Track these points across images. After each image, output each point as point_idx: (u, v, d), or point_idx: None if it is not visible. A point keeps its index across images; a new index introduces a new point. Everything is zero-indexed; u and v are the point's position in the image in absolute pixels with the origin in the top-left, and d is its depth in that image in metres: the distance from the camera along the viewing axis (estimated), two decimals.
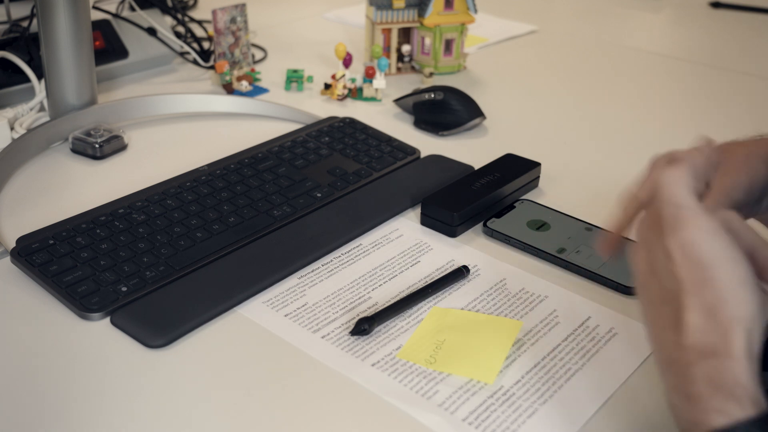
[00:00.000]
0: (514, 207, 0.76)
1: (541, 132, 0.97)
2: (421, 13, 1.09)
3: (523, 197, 0.79)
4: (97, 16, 1.04)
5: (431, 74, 1.10)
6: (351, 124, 0.91)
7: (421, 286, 0.64)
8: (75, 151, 0.86)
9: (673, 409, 0.44)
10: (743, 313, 0.41)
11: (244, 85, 1.04)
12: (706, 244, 0.43)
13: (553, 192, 0.81)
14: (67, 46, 0.85)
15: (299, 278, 0.66)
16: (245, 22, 1.07)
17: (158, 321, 0.59)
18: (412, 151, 0.86)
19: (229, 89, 1.04)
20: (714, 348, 0.41)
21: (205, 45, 1.16)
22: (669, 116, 1.03)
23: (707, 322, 0.41)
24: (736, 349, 0.41)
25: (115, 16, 1.08)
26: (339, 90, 1.02)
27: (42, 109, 0.93)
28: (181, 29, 1.17)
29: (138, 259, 0.64)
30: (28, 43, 0.96)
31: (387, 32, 1.11)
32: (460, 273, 0.66)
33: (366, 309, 0.62)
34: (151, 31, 1.09)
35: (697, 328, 0.42)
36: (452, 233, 0.72)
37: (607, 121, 1.01)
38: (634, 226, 0.49)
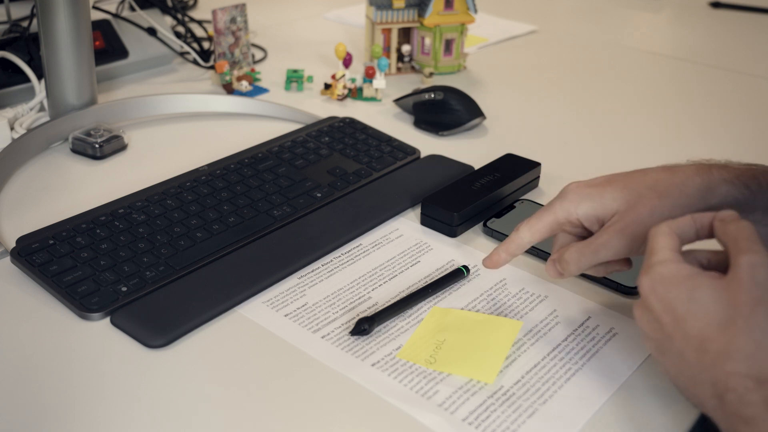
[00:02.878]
0: (514, 207, 0.76)
1: (541, 132, 0.97)
2: (421, 13, 1.09)
3: (523, 197, 0.79)
4: (97, 16, 1.04)
5: (431, 74, 1.10)
6: (351, 124, 0.91)
7: (421, 286, 0.64)
8: (75, 151, 0.86)
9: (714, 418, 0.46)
10: None
11: (244, 85, 1.04)
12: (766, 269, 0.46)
13: (553, 192, 0.81)
14: (67, 46, 0.85)
15: (299, 278, 0.66)
16: (245, 22, 1.07)
17: (158, 321, 0.59)
18: (412, 151, 0.86)
19: (229, 89, 1.04)
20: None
21: (205, 45, 1.16)
22: (669, 116, 1.03)
23: (759, 351, 0.44)
24: None
25: (115, 16, 1.08)
26: (339, 90, 1.02)
27: (42, 109, 0.93)
28: (181, 29, 1.18)
29: (138, 259, 0.64)
30: (28, 43, 0.96)
31: (387, 32, 1.11)
32: (460, 273, 0.66)
33: (366, 309, 0.62)
34: (151, 31, 1.09)
35: (751, 355, 0.44)
36: (452, 233, 0.72)
37: (607, 121, 1.01)
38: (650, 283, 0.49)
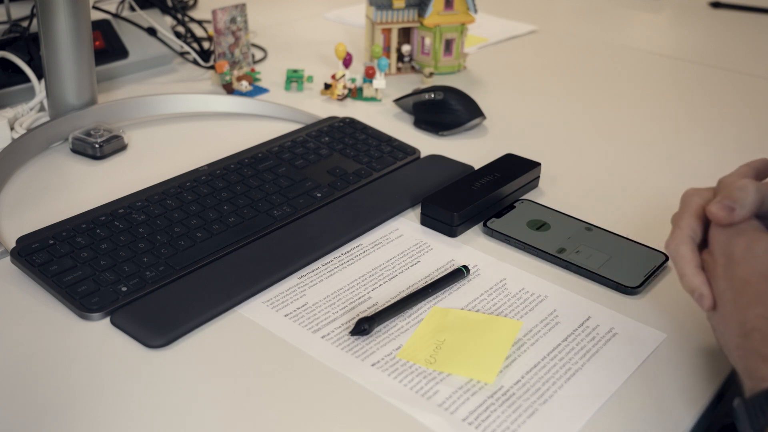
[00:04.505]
0: (514, 207, 0.76)
1: (541, 132, 0.97)
2: (421, 13, 1.09)
3: (523, 197, 0.79)
4: (97, 16, 1.04)
5: (431, 74, 1.10)
6: (351, 124, 0.91)
7: (421, 286, 0.64)
8: (75, 151, 0.86)
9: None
10: None
11: (244, 85, 1.04)
12: None
13: (553, 192, 0.81)
14: (67, 46, 0.85)
15: (299, 278, 0.66)
16: (245, 22, 1.07)
17: (158, 321, 0.59)
18: (412, 151, 0.86)
19: (229, 89, 1.04)
20: None
21: (205, 45, 1.16)
22: (669, 116, 1.03)
23: None
24: None
25: (115, 16, 1.08)
26: (339, 90, 1.02)
27: (42, 109, 0.93)
28: (181, 29, 1.18)
29: (138, 259, 0.64)
30: (28, 43, 0.96)
31: (387, 32, 1.11)
32: (460, 273, 0.66)
33: (366, 309, 0.62)
34: (151, 31, 1.09)
35: None
36: (452, 233, 0.72)
37: (607, 121, 1.01)
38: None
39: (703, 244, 0.55)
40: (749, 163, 0.57)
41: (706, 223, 0.55)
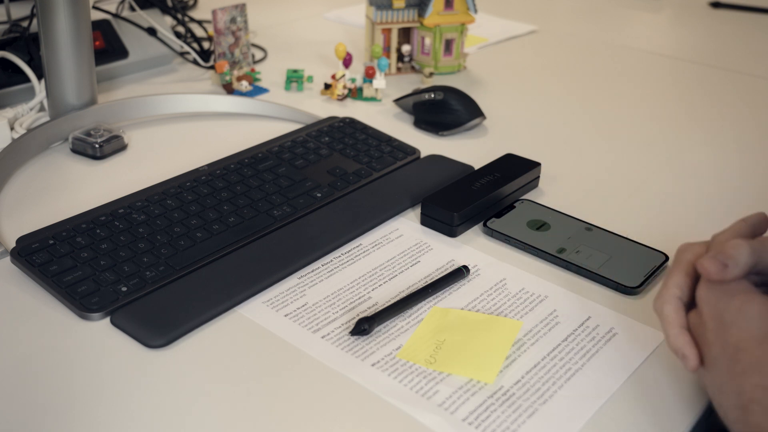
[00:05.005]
0: (514, 207, 0.76)
1: (541, 132, 0.97)
2: (421, 13, 1.09)
3: (523, 197, 0.79)
4: (97, 16, 1.04)
5: (431, 74, 1.10)
6: (351, 124, 0.91)
7: (421, 286, 0.64)
8: (75, 151, 0.86)
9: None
10: None
11: (244, 85, 1.04)
12: None
13: (553, 192, 0.81)
14: (67, 46, 0.85)
15: (299, 278, 0.66)
16: (245, 22, 1.07)
17: (158, 321, 0.59)
18: (412, 151, 0.86)
19: (229, 89, 1.04)
20: None
21: (205, 45, 1.16)
22: (669, 116, 1.03)
23: None
24: None
25: (115, 16, 1.08)
26: (339, 90, 1.02)
27: (42, 109, 0.93)
28: (181, 29, 1.18)
29: (138, 259, 0.64)
30: (28, 43, 0.96)
31: (387, 32, 1.11)
32: (460, 273, 0.66)
33: (366, 309, 0.62)
34: (151, 31, 1.09)
35: None
36: (452, 233, 0.72)
37: (607, 121, 1.01)
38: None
39: (692, 303, 0.52)
40: (745, 219, 0.55)
41: (696, 281, 0.53)
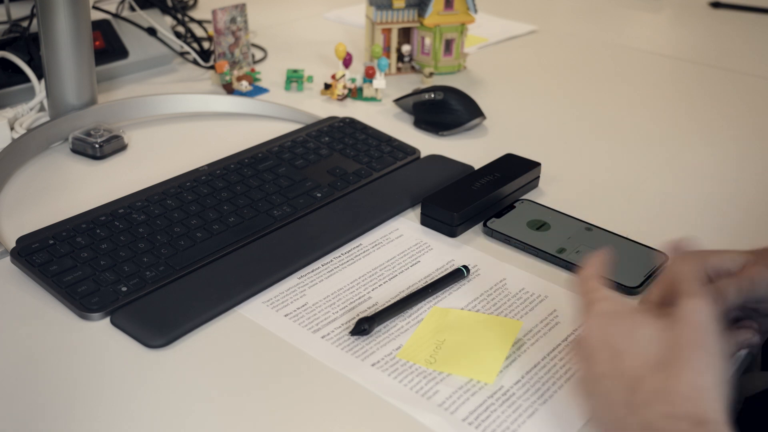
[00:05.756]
0: (514, 207, 0.76)
1: (541, 132, 0.97)
2: (421, 13, 1.09)
3: (523, 197, 0.79)
4: (97, 16, 1.04)
5: (431, 74, 1.10)
6: (351, 124, 0.91)
7: (421, 286, 0.64)
8: (75, 151, 0.86)
9: None
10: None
11: (244, 85, 1.04)
12: (706, 313, 0.45)
13: (553, 192, 0.81)
14: (67, 46, 0.85)
15: (299, 278, 0.66)
16: (245, 22, 1.07)
17: (158, 321, 0.59)
18: (412, 151, 0.86)
19: (229, 89, 1.04)
20: (705, 416, 0.42)
21: (205, 45, 1.16)
22: (669, 116, 1.03)
23: (696, 393, 0.42)
24: (722, 414, 0.42)
25: (115, 16, 1.08)
26: (339, 90, 1.02)
27: (42, 109, 0.93)
28: (181, 29, 1.17)
29: (138, 259, 0.64)
30: (28, 43, 0.96)
31: (387, 32, 1.11)
32: (460, 273, 0.66)
33: (366, 309, 0.62)
34: (151, 31, 1.09)
35: (688, 398, 0.42)
36: (452, 233, 0.72)
37: (607, 121, 1.01)
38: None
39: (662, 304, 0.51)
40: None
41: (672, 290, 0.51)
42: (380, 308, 0.62)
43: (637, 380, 0.44)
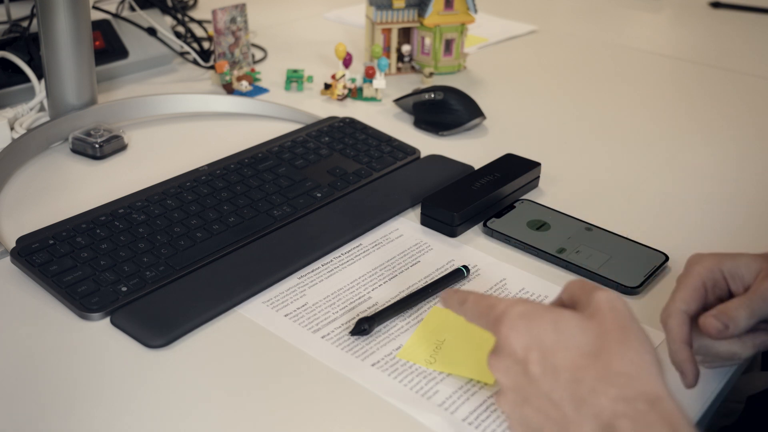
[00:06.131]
0: (514, 207, 0.76)
1: (541, 132, 0.97)
2: (421, 13, 1.09)
3: (523, 197, 0.79)
4: (97, 16, 1.04)
5: (431, 74, 1.10)
6: (351, 124, 0.91)
7: (421, 286, 0.64)
8: (75, 151, 0.86)
9: None
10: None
11: (244, 85, 1.04)
12: (622, 302, 0.46)
13: (553, 192, 0.81)
14: (67, 46, 0.85)
15: (299, 278, 0.66)
16: (245, 22, 1.07)
17: (158, 321, 0.59)
18: (412, 151, 0.86)
19: (229, 89, 1.04)
20: (657, 392, 0.41)
21: (205, 45, 1.16)
22: (669, 116, 1.03)
23: (640, 371, 0.42)
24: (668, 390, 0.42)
25: (115, 16, 1.08)
26: (339, 90, 1.02)
27: (42, 109, 0.93)
28: (181, 29, 1.18)
29: (138, 259, 0.64)
30: (28, 43, 0.96)
31: (387, 32, 1.11)
32: (460, 273, 0.66)
33: (366, 309, 0.62)
34: (151, 31, 1.09)
35: (635, 377, 0.42)
36: (452, 233, 0.72)
37: (607, 121, 1.01)
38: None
39: (703, 309, 0.52)
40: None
41: (703, 295, 0.53)
42: (380, 308, 0.62)
43: (577, 370, 0.42)
